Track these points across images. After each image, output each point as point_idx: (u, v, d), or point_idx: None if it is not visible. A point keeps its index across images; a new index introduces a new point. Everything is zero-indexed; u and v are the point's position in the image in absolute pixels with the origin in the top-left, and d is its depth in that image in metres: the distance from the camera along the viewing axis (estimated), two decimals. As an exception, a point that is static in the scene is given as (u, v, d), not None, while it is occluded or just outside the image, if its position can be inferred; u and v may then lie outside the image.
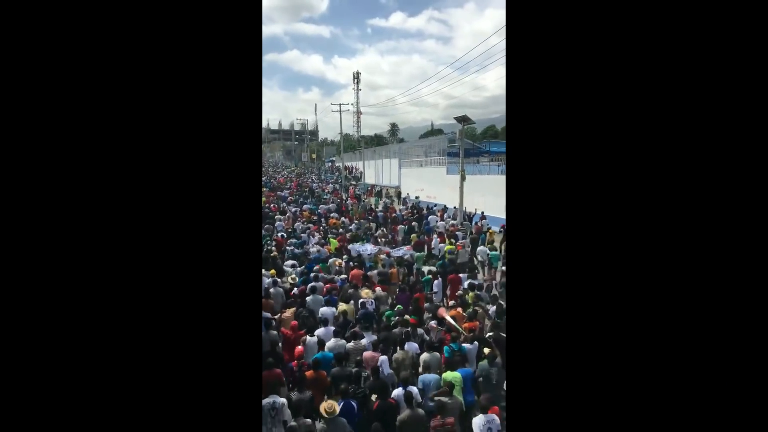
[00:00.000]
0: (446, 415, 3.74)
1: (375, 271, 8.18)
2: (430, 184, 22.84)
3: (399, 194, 24.45)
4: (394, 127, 74.80)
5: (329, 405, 3.55)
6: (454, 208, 14.97)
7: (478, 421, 3.60)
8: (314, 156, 53.74)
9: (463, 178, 13.93)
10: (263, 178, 27.57)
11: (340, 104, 30.38)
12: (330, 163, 49.01)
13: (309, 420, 3.62)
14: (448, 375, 4.28)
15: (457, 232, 12.17)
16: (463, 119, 13.92)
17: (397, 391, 4.03)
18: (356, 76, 50.68)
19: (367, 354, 4.83)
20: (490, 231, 11.92)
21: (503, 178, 16.11)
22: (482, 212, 14.65)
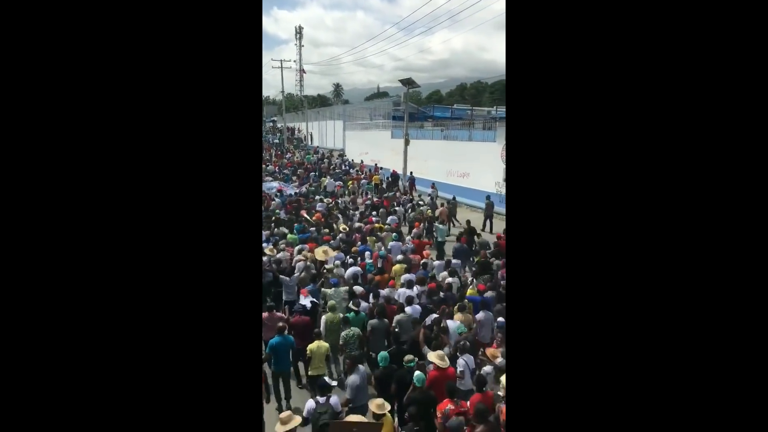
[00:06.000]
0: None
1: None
2: (375, 148, 23.07)
3: (341, 155, 25.22)
4: (338, 88, 73.24)
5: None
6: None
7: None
8: (254, 115, 51.01)
9: (407, 143, 14.21)
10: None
11: (281, 60, 29.89)
12: (271, 123, 47.26)
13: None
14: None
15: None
16: (408, 82, 13.90)
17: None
18: (298, 31, 48.30)
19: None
20: (375, 177, 15.56)
21: (446, 143, 17.31)
22: (411, 172, 15.79)
